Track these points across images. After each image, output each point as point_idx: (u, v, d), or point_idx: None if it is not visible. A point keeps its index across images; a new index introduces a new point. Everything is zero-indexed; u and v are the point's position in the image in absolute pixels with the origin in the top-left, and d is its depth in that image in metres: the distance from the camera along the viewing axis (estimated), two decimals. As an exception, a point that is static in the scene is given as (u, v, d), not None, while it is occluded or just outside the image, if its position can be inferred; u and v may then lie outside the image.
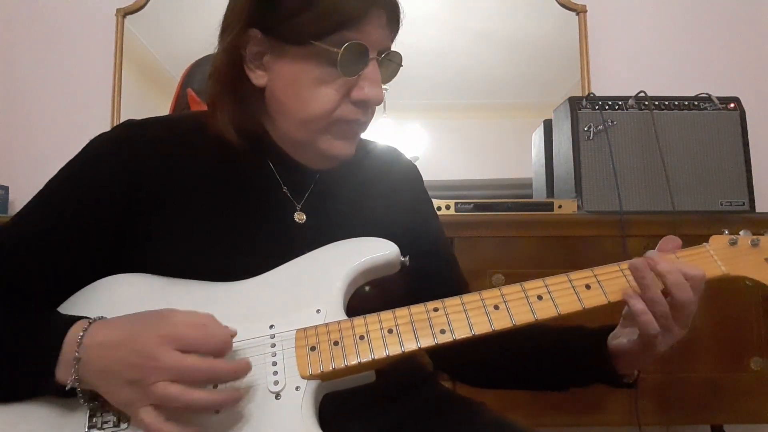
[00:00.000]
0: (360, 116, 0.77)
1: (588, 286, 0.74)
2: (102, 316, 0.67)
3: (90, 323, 0.64)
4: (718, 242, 0.79)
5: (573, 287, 0.73)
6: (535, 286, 0.73)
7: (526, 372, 0.88)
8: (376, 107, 0.80)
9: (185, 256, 0.75)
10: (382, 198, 0.88)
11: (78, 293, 0.74)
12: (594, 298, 0.73)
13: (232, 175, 0.80)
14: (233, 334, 0.65)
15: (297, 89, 0.75)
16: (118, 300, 0.73)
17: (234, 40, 0.76)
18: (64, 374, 0.63)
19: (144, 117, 0.83)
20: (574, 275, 0.74)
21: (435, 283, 0.89)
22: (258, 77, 0.77)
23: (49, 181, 0.77)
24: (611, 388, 0.81)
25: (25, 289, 0.72)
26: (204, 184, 0.79)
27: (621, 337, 0.77)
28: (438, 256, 0.94)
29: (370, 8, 0.73)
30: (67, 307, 0.73)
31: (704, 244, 0.79)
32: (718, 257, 0.77)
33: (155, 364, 0.60)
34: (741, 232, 0.78)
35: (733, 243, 0.78)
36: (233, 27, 0.77)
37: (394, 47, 0.80)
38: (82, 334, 0.63)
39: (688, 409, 1.48)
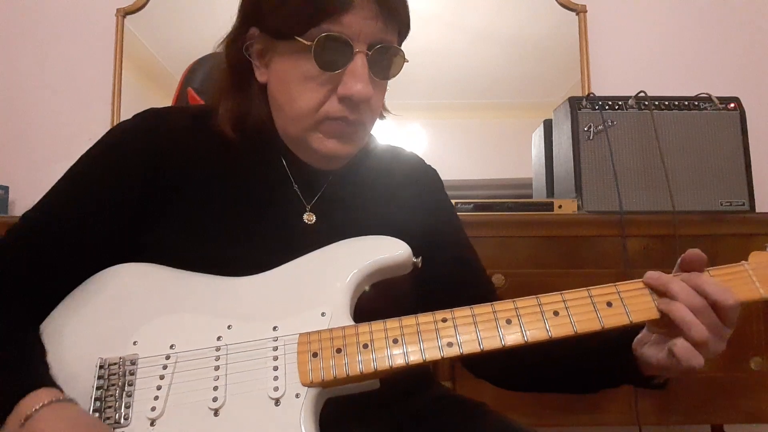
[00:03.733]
0: (347, 114, 0.75)
1: (609, 304, 0.68)
2: (71, 399, 0.63)
3: (44, 404, 0.60)
4: (758, 260, 0.71)
5: (593, 303, 0.68)
6: (552, 300, 0.69)
7: (553, 376, 0.85)
8: (377, 106, 0.78)
9: (194, 246, 0.75)
10: (397, 203, 0.87)
11: (87, 281, 0.74)
12: (615, 317, 0.68)
13: (245, 168, 0.81)
14: None
15: (286, 86, 0.75)
16: (123, 290, 0.73)
17: (232, 36, 0.77)
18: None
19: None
20: (596, 290, 0.69)
21: (454, 286, 0.87)
22: (261, 74, 0.78)
23: (71, 168, 0.78)
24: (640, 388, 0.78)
25: (39, 276, 0.73)
26: (218, 176, 0.79)
27: (648, 350, 0.72)
28: (457, 260, 0.92)
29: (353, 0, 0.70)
30: (75, 295, 0.73)
31: (743, 262, 0.72)
32: (756, 277, 0.69)
33: None
34: None
35: None
36: (235, 23, 0.78)
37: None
38: (30, 413, 0.60)
39: (688, 409, 1.47)
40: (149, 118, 0.80)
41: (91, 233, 0.75)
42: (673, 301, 0.67)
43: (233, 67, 0.79)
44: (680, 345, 0.66)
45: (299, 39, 0.71)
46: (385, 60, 0.76)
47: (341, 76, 0.73)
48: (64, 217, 0.75)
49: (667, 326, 0.68)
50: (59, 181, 0.78)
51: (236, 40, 0.77)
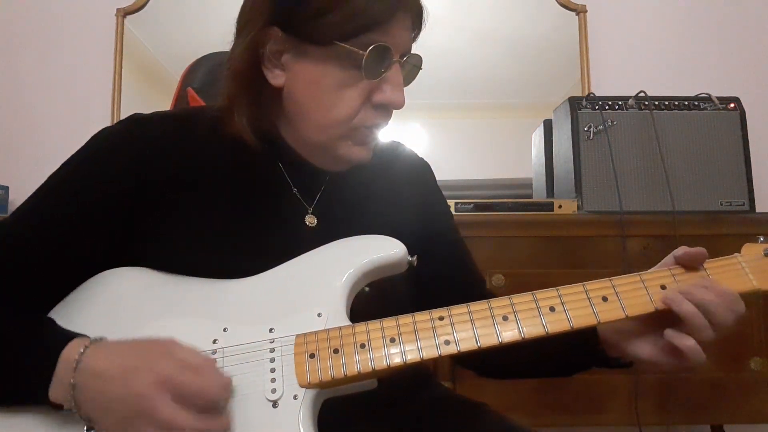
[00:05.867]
0: (381, 120, 0.76)
1: (605, 298, 0.70)
2: (102, 337, 0.65)
3: (87, 346, 0.63)
4: (751, 252, 0.73)
5: (588, 298, 0.69)
6: (548, 296, 0.70)
7: (525, 363, 0.87)
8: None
9: (191, 254, 0.74)
10: (395, 201, 0.86)
11: (80, 287, 0.73)
12: (611, 312, 0.69)
13: (242, 174, 0.79)
14: (229, 383, 0.63)
15: (318, 91, 0.73)
16: (117, 295, 0.72)
17: (254, 39, 0.73)
18: (59, 395, 0.62)
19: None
20: (591, 285, 0.71)
21: (450, 283, 0.88)
22: (275, 77, 0.75)
23: (52, 175, 0.76)
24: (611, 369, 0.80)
25: (27, 284, 0.71)
26: (213, 182, 0.77)
27: (639, 347, 0.74)
28: (452, 256, 0.92)
29: (397, 10, 0.71)
30: (68, 302, 0.73)
31: (736, 254, 0.74)
32: (750, 269, 0.71)
33: (148, 410, 0.58)
34: None
35: None
36: (253, 25, 0.74)
37: None
38: (77, 357, 0.61)
39: (688, 409, 1.47)
40: (132, 125, 0.78)
41: (71, 247, 0.73)
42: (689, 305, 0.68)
43: (251, 70, 0.75)
44: (691, 345, 0.68)
45: (344, 46, 0.70)
46: (409, 68, 0.78)
47: (377, 84, 0.73)
48: (43, 229, 0.73)
49: (660, 319, 0.70)
50: (39, 189, 0.75)
51: (256, 41, 0.74)
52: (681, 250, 0.73)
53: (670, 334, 0.69)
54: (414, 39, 0.78)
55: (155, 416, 0.58)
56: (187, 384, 0.59)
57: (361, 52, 0.70)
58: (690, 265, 0.72)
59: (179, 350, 0.62)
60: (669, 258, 0.75)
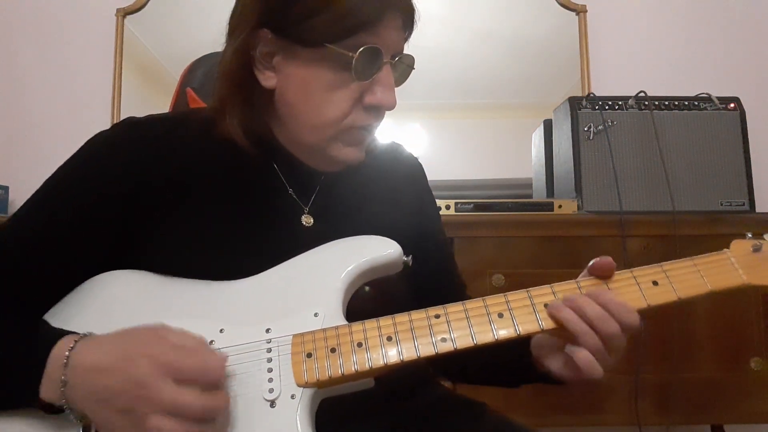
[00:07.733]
0: (372, 121, 0.76)
1: None
2: (90, 333, 0.64)
3: (76, 341, 0.62)
4: (740, 248, 0.73)
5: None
6: (542, 293, 0.70)
7: (478, 373, 0.90)
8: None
9: (188, 256, 0.73)
10: (389, 199, 0.87)
11: (76, 290, 0.73)
12: None
13: (237, 176, 0.79)
14: (226, 360, 0.62)
15: (308, 93, 0.73)
16: (112, 298, 0.72)
17: (245, 41, 0.74)
18: (50, 393, 0.61)
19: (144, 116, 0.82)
20: (585, 282, 0.72)
21: (435, 285, 0.88)
22: (267, 78, 0.75)
23: (48, 180, 0.76)
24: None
25: (22, 290, 0.71)
26: (208, 184, 0.77)
27: (550, 361, 0.75)
28: (440, 258, 0.93)
29: (386, 11, 0.71)
30: (63, 305, 0.73)
31: (725, 249, 0.74)
32: (739, 264, 0.72)
33: (149, 395, 0.57)
34: (766, 236, 0.74)
35: (757, 249, 0.72)
36: (243, 27, 0.74)
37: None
38: (67, 353, 0.61)
39: (688, 409, 1.47)
40: (126, 129, 0.77)
41: (67, 252, 0.72)
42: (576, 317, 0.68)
43: (242, 72, 0.75)
44: (582, 356, 0.67)
45: (334, 48, 0.70)
46: (402, 69, 0.78)
47: (368, 86, 0.73)
48: (38, 236, 0.72)
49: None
50: (36, 193, 0.75)
51: (246, 43, 0.74)
52: (594, 261, 0.73)
53: (568, 347, 0.69)
54: (406, 39, 0.77)
55: (159, 400, 0.57)
56: (186, 365, 0.59)
57: (350, 54, 0.70)
58: (601, 275, 0.73)
59: (171, 333, 0.62)
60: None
